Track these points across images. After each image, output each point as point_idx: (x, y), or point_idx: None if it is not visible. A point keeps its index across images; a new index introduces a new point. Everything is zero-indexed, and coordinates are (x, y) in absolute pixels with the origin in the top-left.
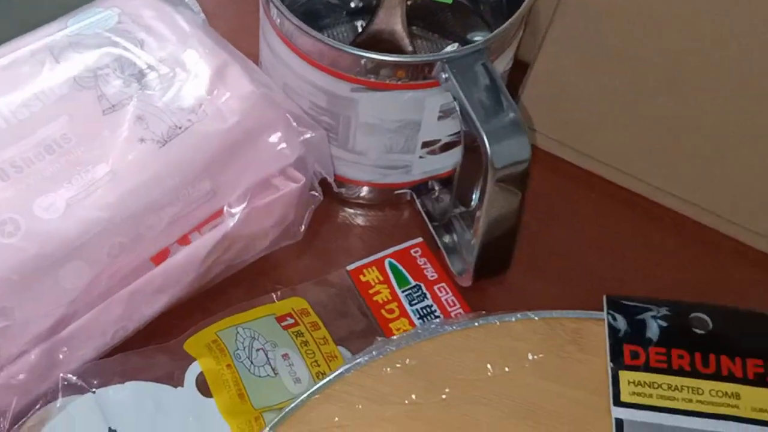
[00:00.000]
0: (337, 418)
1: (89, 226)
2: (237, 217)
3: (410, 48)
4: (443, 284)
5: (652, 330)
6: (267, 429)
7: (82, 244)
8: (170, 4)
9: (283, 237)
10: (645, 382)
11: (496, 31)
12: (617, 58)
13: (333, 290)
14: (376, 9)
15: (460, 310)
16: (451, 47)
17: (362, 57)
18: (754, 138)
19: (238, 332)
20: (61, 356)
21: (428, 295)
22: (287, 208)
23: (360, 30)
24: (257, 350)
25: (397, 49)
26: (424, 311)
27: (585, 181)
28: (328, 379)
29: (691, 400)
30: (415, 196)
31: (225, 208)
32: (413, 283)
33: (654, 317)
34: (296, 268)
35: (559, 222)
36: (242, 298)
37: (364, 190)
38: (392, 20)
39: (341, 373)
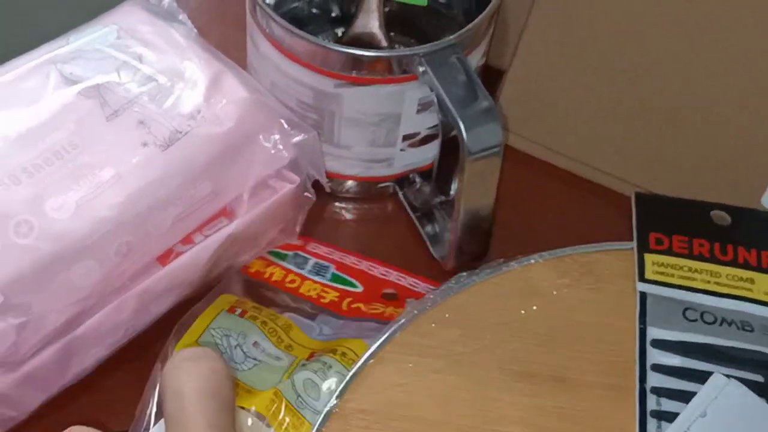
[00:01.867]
0: (394, 378)
1: (98, 225)
2: (240, 217)
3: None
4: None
5: (676, 221)
6: (333, 399)
7: (93, 242)
8: (165, 20)
9: (281, 237)
10: (668, 264)
11: (468, 26)
12: (590, 60)
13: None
14: (356, 13)
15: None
16: None
17: (344, 53)
18: (720, 132)
19: (213, 334)
20: (75, 353)
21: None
22: (284, 209)
23: (341, 36)
24: (235, 347)
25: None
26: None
27: (560, 178)
28: (378, 344)
29: (709, 282)
30: (398, 189)
31: (228, 209)
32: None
33: (678, 210)
34: None
35: (535, 217)
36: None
37: (350, 184)
38: (371, 24)
39: (388, 336)
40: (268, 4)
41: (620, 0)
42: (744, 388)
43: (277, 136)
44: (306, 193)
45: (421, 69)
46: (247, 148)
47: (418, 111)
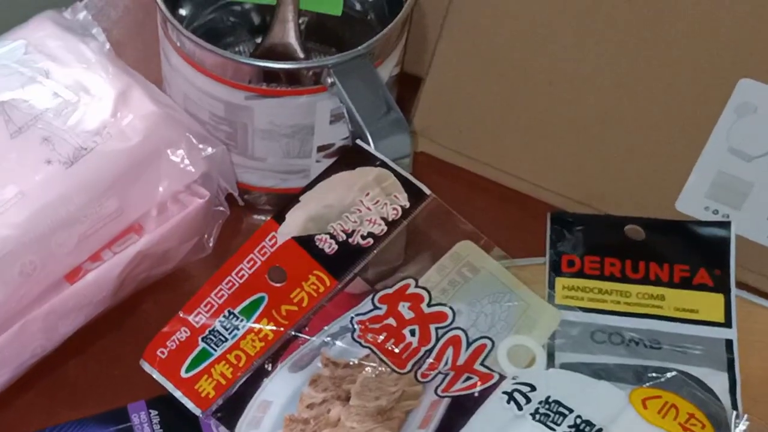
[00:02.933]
0: None
1: (0, 245)
2: (149, 233)
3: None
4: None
5: (589, 240)
6: None
7: None
8: (76, 35)
9: (194, 252)
10: (578, 287)
11: (376, 37)
12: (504, 69)
13: None
14: (271, 24)
15: None
16: None
17: (252, 65)
18: (632, 137)
19: None
20: None
21: None
22: (195, 223)
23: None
24: None
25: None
26: None
27: (479, 185)
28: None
29: (619, 302)
30: None
31: (136, 225)
32: None
33: (591, 228)
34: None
35: None
36: (153, 311)
37: (267, 196)
38: (286, 34)
39: None
40: (183, 16)
41: (531, 10)
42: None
43: (185, 151)
44: (220, 207)
45: (329, 80)
46: (154, 164)
47: (332, 122)
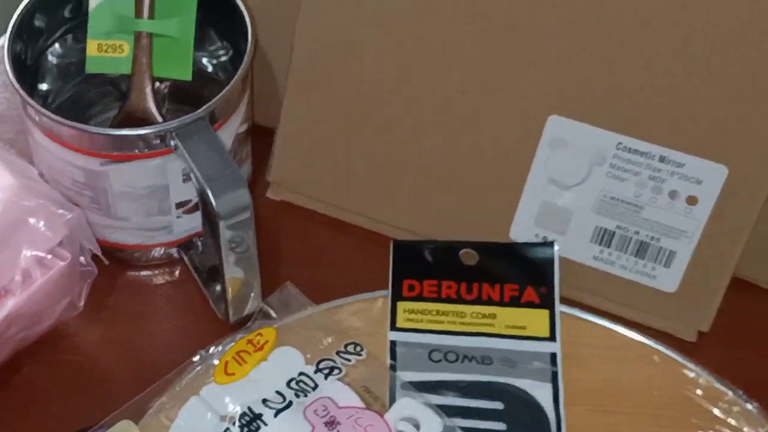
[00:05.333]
0: None
1: None
2: (14, 298)
3: (161, 122)
4: None
5: (428, 265)
6: None
7: None
8: None
9: (67, 310)
10: (418, 310)
11: (213, 100)
12: (347, 117)
13: None
14: (128, 92)
15: None
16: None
17: (100, 134)
18: (468, 173)
19: None
20: None
21: None
22: (61, 285)
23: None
24: None
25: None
26: None
27: (339, 229)
28: None
29: (455, 322)
30: (182, 253)
31: (3, 290)
32: None
33: (430, 254)
34: (85, 336)
35: (318, 268)
36: (36, 369)
37: (139, 253)
38: (143, 100)
39: None
40: (48, 90)
41: (368, 63)
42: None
43: (44, 218)
44: (88, 267)
45: (173, 143)
46: (15, 232)
47: (184, 180)
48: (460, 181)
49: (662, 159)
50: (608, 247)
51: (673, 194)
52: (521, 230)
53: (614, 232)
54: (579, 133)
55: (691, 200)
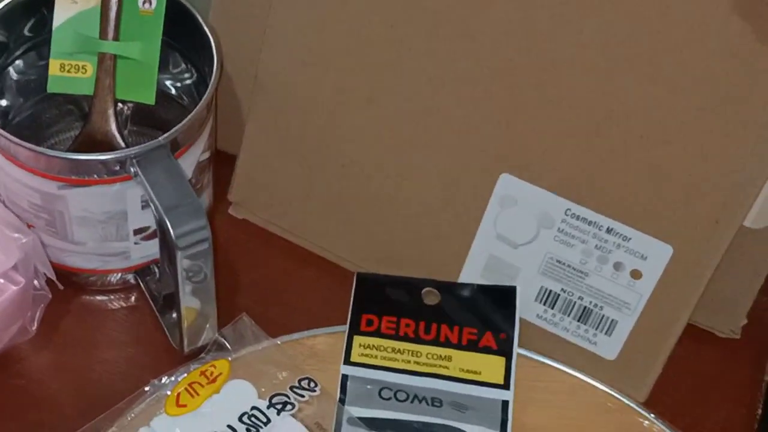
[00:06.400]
0: None
1: None
2: None
3: (123, 146)
4: None
5: (389, 301)
6: None
7: None
8: None
9: (19, 334)
10: (374, 345)
11: (175, 128)
12: (305, 150)
13: None
14: (89, 114)
15: None
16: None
17: (59, 158)
18: (418, 218)
19: None
20: None
21: None
22: (13, 309)
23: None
24: None
25: (112, 149)
26: None
27: (301, 258)
28: None
29: (409, 361)
30: (139, 279)
31: None
32: None
33: (392, 290)
34: (36, 361)
35: (277, 302)
36: None
37: (94, 277)
38: (105, 123)
39: None
40: (8, 106)
41: (325, 100)
42: None
43: None
44: (41, 291)
45: (133, 170)
46: None
47: (143, 207)
48: (411, 227)
49: (609, 230)
50: (552, 308)
51: (618, 266)
52: (469, 281)
53: (559, 295)
54: (529, 195)
55: (636, 274)
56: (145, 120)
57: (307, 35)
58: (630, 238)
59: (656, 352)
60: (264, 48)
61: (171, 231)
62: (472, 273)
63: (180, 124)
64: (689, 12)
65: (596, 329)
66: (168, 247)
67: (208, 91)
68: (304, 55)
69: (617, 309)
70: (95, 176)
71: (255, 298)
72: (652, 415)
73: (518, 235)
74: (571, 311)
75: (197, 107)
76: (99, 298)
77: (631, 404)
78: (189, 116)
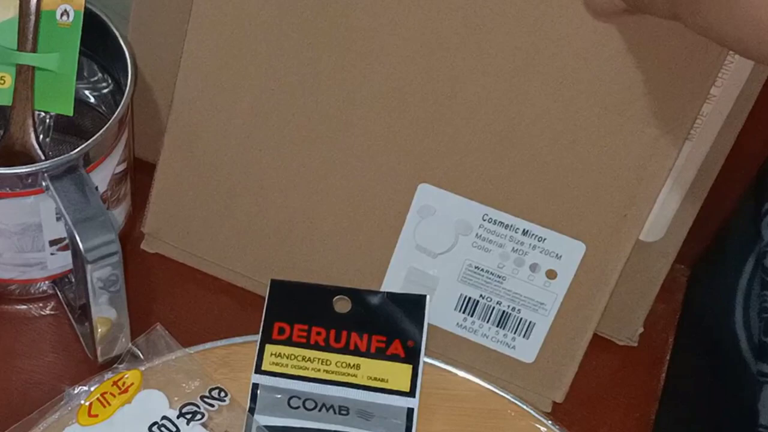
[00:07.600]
0: None
1: None
2: None
3: (42, 157)
4: None
5: (302, 309)
6: None
7: None
8: None
9: None
10: (285, 354)
11: (86, 143)
12: (220, 174)
13: None
14: (7, 125)
15: None
16: None
17: None
18: (336, 234)
19: None
20: None
21: None
22: None
23: None
24: None
25: (30, 159)
26: None
27: (213, 286)
28: None
29: (319, 370)
30: (57, 289)
31: None
32: None
33: (305, 296)
34: None
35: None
36: None
37: (13, 287)
38: (24, 134)
39: None
40: None
41: (241, 123)
42: None
43: None
44: None
45: (44, 184)
46: None
47: (58, 219)
48: (331, 244)
49: (525, 232)
50: (471, 315)
51: (533, 267)
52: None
53: (477, 301)
54: (447, 203)
55: (551, 274)
56: (67, 129)
57: (223, 59)
58: (545, 239)
59: (572, 352)
60: (180, 75)
61: (80, 244)
62: (393, 286)
63: (90, 140)
64: (589, 17)
65: (515, 333)
66: (78, 260)
67: (120, 105)
68: (221, 79)
69: (534, 310)
70: (8, 189)
71: (170, 308)
72: (550, 422)
73: (437, 244)
74: (489, 317)
75: (109, 122)
76: (18, 307)
77: (531, 411)
78: (100, 131)
